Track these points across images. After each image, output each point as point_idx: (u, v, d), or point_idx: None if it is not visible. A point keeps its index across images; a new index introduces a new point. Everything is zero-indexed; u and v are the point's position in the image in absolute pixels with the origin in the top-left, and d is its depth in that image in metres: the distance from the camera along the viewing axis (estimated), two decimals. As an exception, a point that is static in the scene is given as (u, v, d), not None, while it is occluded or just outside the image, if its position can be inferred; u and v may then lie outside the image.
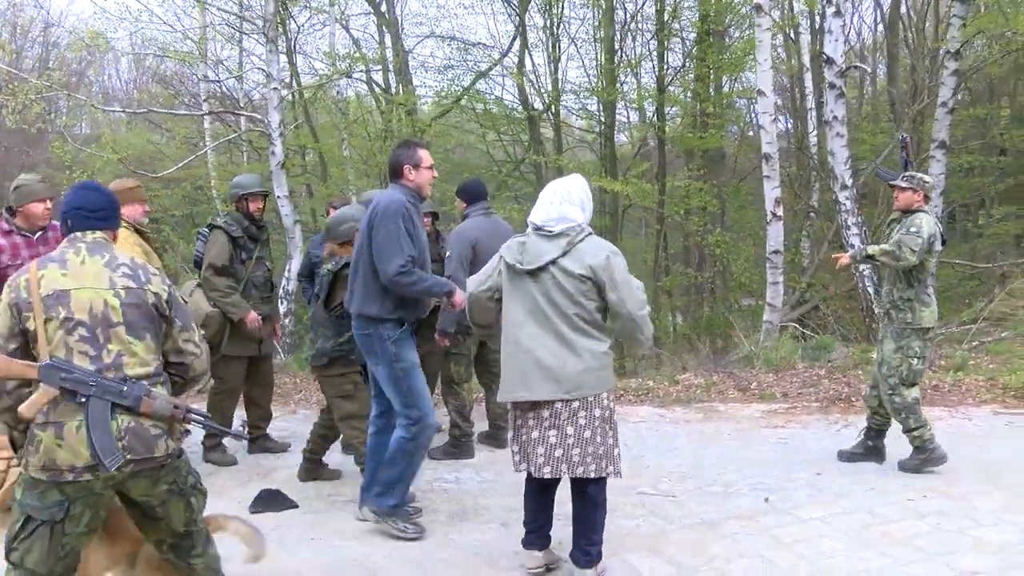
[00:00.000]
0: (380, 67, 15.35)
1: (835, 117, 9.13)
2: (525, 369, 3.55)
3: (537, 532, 3.80)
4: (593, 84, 14.24)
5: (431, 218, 6.52)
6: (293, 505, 4.81)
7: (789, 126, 15.74)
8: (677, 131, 14.16)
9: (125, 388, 2.64)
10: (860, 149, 12.48)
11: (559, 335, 3.51)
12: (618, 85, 14.04)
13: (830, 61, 9.25)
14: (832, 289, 11.55)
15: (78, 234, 2.82)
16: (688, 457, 5.71)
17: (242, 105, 14.55)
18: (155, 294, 2.79)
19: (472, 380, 6.22)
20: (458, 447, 5.91)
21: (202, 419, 2.89)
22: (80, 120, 37.48)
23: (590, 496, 3.64)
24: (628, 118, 15.23)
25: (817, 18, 12.76)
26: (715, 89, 14.73)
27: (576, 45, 14.96)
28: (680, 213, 13.50)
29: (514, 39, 14.57)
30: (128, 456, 2.64)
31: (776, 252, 9.85)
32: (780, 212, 9.90)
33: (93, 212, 2.85)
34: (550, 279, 3.51)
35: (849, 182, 9.20)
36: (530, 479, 3.73)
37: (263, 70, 11.90)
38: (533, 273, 3.54)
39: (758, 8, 9.64)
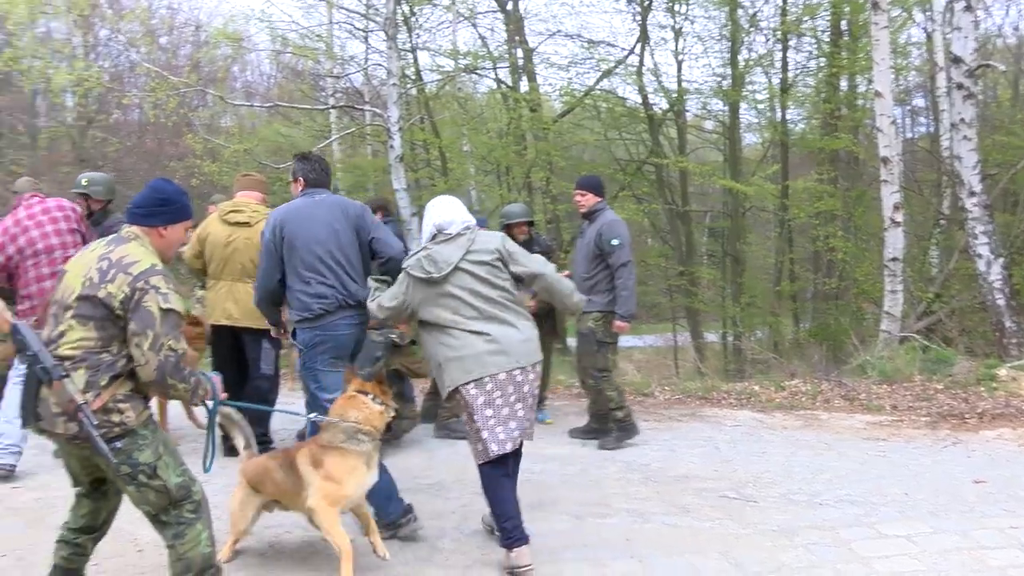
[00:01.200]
0: (507, 64, 15.54)
1: (962, 120, 8.62)
2: (476, 353, 3.79)
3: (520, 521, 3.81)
4: (718, 84, 13.96)
5: (527, 225, 6.69)
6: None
7: (928, 128, 14.99)
8: (804, 133, 13.72)
9: (50, 365, 2.85)
10: (1005, 154, 11.72)
11: (493, 317, 3.86)
12: (745, 85, 13.71)
13: (957, 60, 8.74)
14: (960, 300, 10.93)
15: (124, 226, 3.14)
16: (778, 464, 5.56)
17: (367, 100, 15.03)
18: (109, 293, 2.91)
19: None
20: (625, 429, 6.03)
21: (85, 422, 2.84)
22: (225, 112, 39.63)
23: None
24: (757, 119, 14.84)
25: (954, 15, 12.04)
26: (849, 88, 14.19)
27: (703, 42, 14.68)
28: (802, 217, 13.08)
29: (639, 39, 14.46)
30: (39, 422, 2.93)
31: (894, 260, 9.41)
32: (899, 218, 9.45)
33: (136, 208, 3.11)
34: (466, 275, 3.87)
35: (978, 188, 8.68)
36: (498, 463, 3.82)
37: (383, 66, 12.26)
38: (447, 277, 3.85)
39: (875, 5, 9.24)
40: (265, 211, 5.37)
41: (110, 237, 3.12)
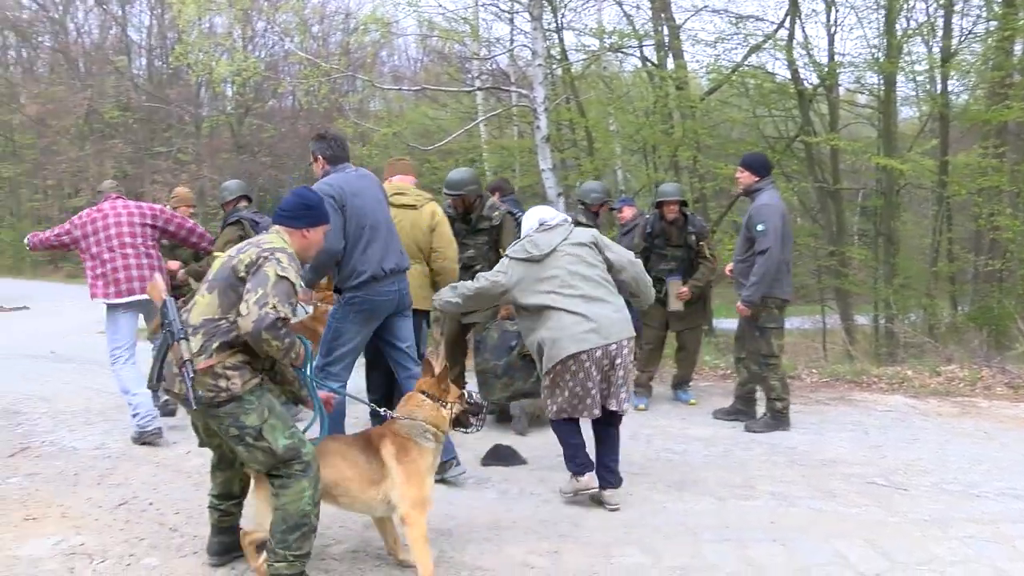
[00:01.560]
0: (653, 42, 15.38)
1: None
2: (573, 334, 4.22)
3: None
4: (872, 56, 13.29)
5: (680, 205, 6.67)
6: (522, 462, 5.15)
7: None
8: (968, 104, 12.89)
9: (178, 329, 3.18)
10: None
11: (589, 296, 4.31)
12: (901, 56, 13.01)
13: None
14: None
15: (272, 226, 3.53)
16: (931, 452, 5.37)
17: (513, 81, 15.21)
18: (239, 260, 3.26)
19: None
20: (777, 419, 5.98)
21: (184, 377, 3.09)
22: (373, 97, 40.96)
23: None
24: (915, 91, 14.04)
25: None
26: None
27: (856, 12, 14.02)
28: (963, 194, 12.33)
29: (788, 12, 13.97)
30: (163, 384, 3.27)
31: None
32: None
33: (283, 211, 3.51)
34: (565, 256, 4.37)
35: None
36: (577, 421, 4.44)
37: (529, 47, 12.38)
38: (548, 256, 4.36)
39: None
40: (427, 194, 5.44)
41: (263, 234, 3.52)
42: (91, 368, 9.02)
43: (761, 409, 6.18)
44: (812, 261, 14.63)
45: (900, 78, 13.23)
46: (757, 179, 5.98)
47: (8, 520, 4.18)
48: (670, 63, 14.94)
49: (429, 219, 5.23)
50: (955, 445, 5.54)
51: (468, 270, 6.07)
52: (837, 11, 13.64)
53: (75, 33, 34.15)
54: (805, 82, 13.87)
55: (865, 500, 4.46)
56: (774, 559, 3.70)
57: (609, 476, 4.40)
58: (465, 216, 6.16)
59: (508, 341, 5.84)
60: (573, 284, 4.31)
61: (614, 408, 4.37)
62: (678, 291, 6.63)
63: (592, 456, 4.48)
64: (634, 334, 4.41)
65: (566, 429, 4.45)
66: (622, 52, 15.68)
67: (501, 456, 5.16)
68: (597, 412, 4.33)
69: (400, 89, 14.97)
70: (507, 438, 5.65)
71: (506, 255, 4.52)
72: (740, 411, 6.22)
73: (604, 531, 4.05)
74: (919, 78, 13.25)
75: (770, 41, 13.97)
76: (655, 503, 4.44)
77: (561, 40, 14.19)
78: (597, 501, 4.42)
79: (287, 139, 31.93)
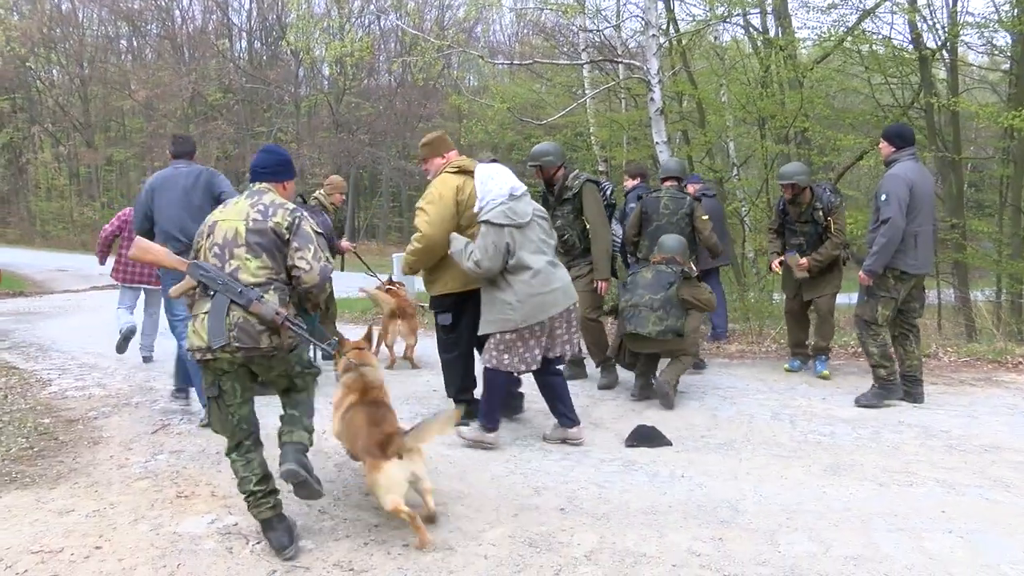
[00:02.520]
0: (758, 9, 14.88)
1: None
2: (552, 289, 4.82)
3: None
4: (1001, 14, 12.52)
5: (791, 186, 6.86)
6: (667, 443, 5.05)
7: None
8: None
9: (241, 290, 3.47)
10: None
11: (554, 262, 4.96)
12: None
13: None
14: None
15: (251, 185, 3.84)
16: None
17: (619, 53, 14.95)
18: (277, 223, 3.59)
19: None
20: (886, 388, 5.91)
21: (296, 328, 3.53)
22: (468, 73, 41.12)
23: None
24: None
25: None
26: None
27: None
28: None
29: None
30: (236, 344, 3.46)
31: None
32: None
33: (263, 168, 3.86)
34: (535, 225, 4.88)
35: None
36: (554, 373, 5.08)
37: (641, 18, 12.13)
38: (528, 224, 4.84)
39: None
40: None
41: (246, 193, 3.79)
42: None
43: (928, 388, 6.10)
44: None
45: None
46: (894, 150, 5.88)
47: (163, 496, 4.30)
48: (777, 32, 14.44)
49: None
50: None
51: (560, 240, 6.32)
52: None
53: (180, 19, 35.20)
54: (924, 45, 13.19)
55: (1035, 485, 4.21)
56: (954, 553, 3.50)
57: (569, 416, 5.08)
58: (548, 187, 6.47)
59: (665, 279, 6.06)
60: (544, 251, 4.89)
61: (557, 354, 4.99)
62: (797, 264, 6.81)
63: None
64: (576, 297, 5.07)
65: (502, 383, 5.03)
66: (727, 21, 15.20)
67: (646, 437, 5.08)
68: (535, 366, 4.93)
69: (511, 64, 14.89)
70: (643, 418, 5.58)
71: (487, 220, 4.80)
72: (907, 392, 6.00)
73: (765, 517, 3.92)
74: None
75: (885, 4, 13.32)
76: (814, 488, 4.28)
77: (670, 10, 13.82)
78: (565, 441, 5.09)
79: (384, 117, 32.44)
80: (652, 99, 11.22)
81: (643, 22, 11.97)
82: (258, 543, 3.73)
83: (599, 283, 6.46)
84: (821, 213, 6.72)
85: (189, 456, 5.01)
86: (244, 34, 34.93)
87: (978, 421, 5.46)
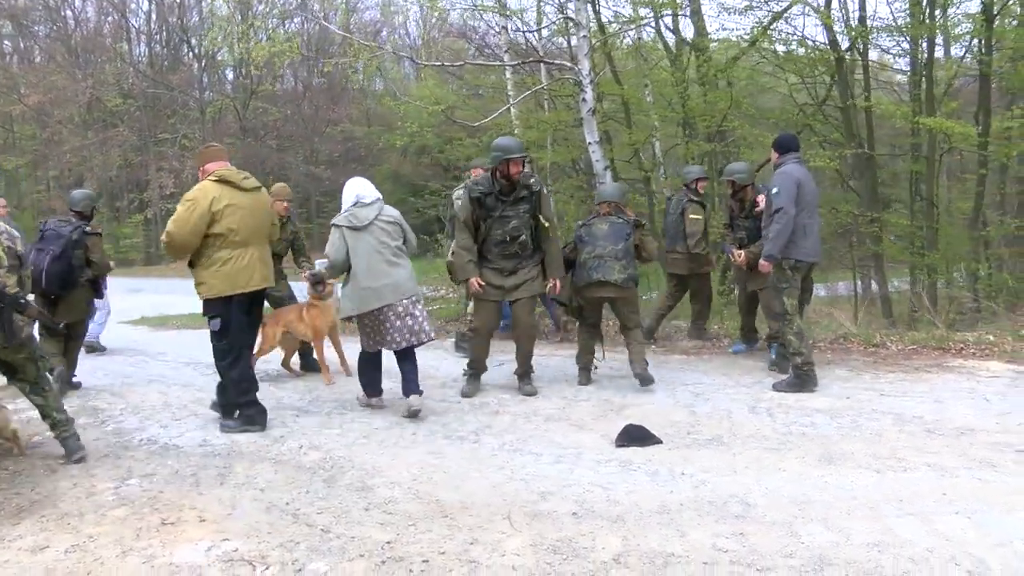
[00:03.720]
0: (670, 12, 15.12)
1: None
2: (382, 285, 5.73)
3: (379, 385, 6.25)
4: (898, 21, 13.12)
5: (730, 182, 7.54)
6: (658, 441, 5.03)
7: None
8: (1002, 66, 12.68)
9: None
10: None
11: (392, 262, 5.80)
12: (936, 17, 12.81)
13: None
14: None
15: None
16: (1067, 416, 5.29)
17: (541, 55, 14.97)
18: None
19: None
20: (801, 378, 6.26)
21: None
22: (375, 78, 40.45)
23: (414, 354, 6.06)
24: (950, 52, 13.84)
25: None
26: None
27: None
28: (1013, 155, 12.20)
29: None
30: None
31: None
32: None
33: None
34: (377, 228, 5.79)
35: None
36: (378, 354, 6.10)
37: (572, 19, 12.17)
38: (367, 227, 5.78)
39: None
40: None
41: None
42: (142, 360, 8.92)
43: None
44: (844, 228, 14.47)
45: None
46: (779, 155, 6.58)
47: (147, 525, 4.00)
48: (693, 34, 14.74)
49: (268, 201, 5.95)
50: (1087, 408, 5.45)
51: (515, 241, 6.33)
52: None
53: (72, 21, 33.62)
54: (835, 46, 13.64)
55: (1026, 468, 4.37)
56: (967, 533, 3.59)
57: (412, 386, 5.93)
58: (509, 185, 6.34)
59: (622, 231, 6.62)
60: (380, 251, 5.77)
61: (410, 344, 5.88)
62: (735, 257, 7.38)
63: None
64: (419, 291, 6.07)
65: (371, 361, 6.14)
66: (638, 25, 15.41)
67: (636, 436, 5.05)
68: (394, 347, 5.86)
69: (446, 64, 14.67)
70: (624, 417, 5.57)
71: (333, 224, 5.91)
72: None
73: (777, 509, 3.93)
74: (960, 39, 13.05)
75: (801, 4, 13.72)
76: (814, 478, 4.33)
77: (597, 12, 13.90)
78: (409, 411, 5.83)
79: (292, 121, 31.70)
80: (584, 99, 11.26)
81: (574, 23, 12.03)
82: (266, 568, 3.51)
83: (555, 281, 6.50)
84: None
85: (163, 479, 4.71)
86: (143, 37, 33.62)
87: (945, 406, 5.65)
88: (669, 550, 3.52)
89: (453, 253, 6.74)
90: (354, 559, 3.57)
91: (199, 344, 10.75)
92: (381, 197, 5.98)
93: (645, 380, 6.43)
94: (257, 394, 5.78)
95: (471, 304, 7.14)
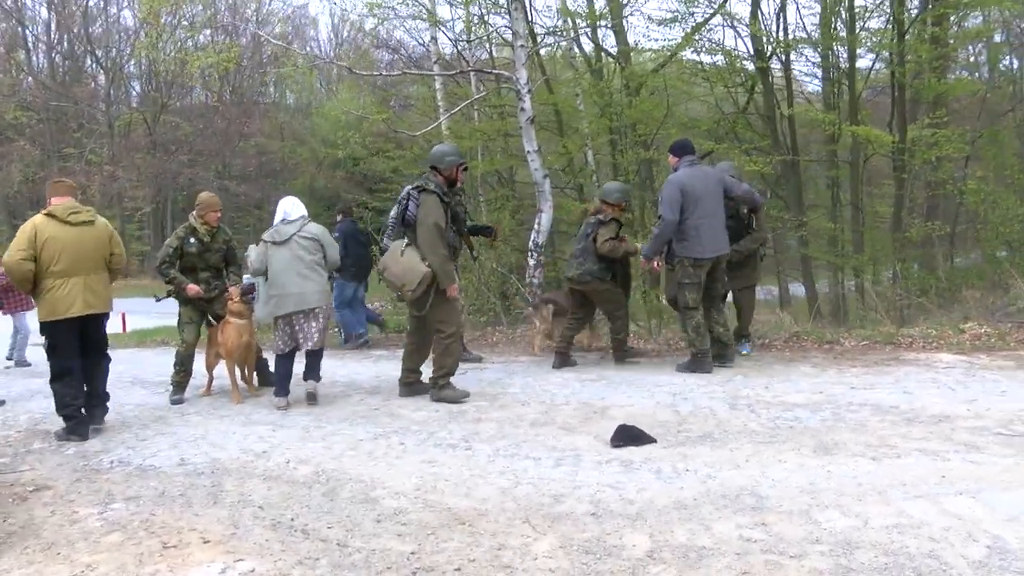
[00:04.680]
0: (588, 24, 15.34)
1: None
2: (290, 294, 6.50)
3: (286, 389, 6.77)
4: (810, 35, 13.69)
5: None
6: (653, 440, 5.05)
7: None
8: (926, 78, 13.35)
9: None
10: None
11: (305, 275, 6.52)
12: (857, 30, 13.38)
13: None
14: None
15: None
16: (1028, 402, 5.55)
17: (471, 64, 15.00)
18: None
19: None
20: (697, 361, 7.05)
21: None
22: (285, 92, 39.82)
23: (319, 356, 6.83)
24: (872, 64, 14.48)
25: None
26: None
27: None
28: (920, 163, 12.84)
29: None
30: None
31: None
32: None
33: None
34: (294, 243, 6.52)
35: None
36: (290, 354, 6.77)
37: (508, 27, 12.24)
38: (286, 243, 6.55)
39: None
40: (92, 209, 6.42)
41: None
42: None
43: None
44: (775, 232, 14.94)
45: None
46: (676, 159, 7.08)
47: (147, 550, 3.79)
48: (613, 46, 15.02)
49: (106, 230, 6.29)
50: (1042, 394, 5.74)
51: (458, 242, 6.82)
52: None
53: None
54: (752, 60, 14.09)
55: (1010, 450, 4.53)
56: (975, 512, 3.71)
57: (311, 374, 6.74)
58: (451, 190, 6.59)
59: (587, 230, 7.53)
60: (293, 265, 6.47)
61: (309, 348, 6.67)
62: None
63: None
64: (324, 304, 6.69)
65: (283, 363, 6.76)
66: (557, 35, 15.60)
67: (631, 436, 5.06)
68: (300, 349, 6.66)
69: (382, 75, 14.52)
70: (609, 416, 5.58)
71: (262, 238, 6.72)
72: (717, 355, 7.19)
73: (790, 499, 3.98)
74: (877, 51, 13.66)
75: (722, 17, 14.12)
76: (815, 468, 4.41)
77: (529, 22, 14.00)
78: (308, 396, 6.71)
79: (204, 135, 30.82)
80: (523, 108, 11.34)
81: (512, 32, 12.09)
82: (290, 586, 3.38)
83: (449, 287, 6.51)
84: (746, 209, 7.28)
85: (151, 501, 4.49)
86: (42, 47, 32.17)
87: (914, 396, 5.85)
88: (700, 543, 3.53)
89: (432, 261, 6.37)
90: (382, 572, 3.46)
91: (138, 362, 10.41)
92: (306, 215, 6.77)
93: (628, 356, 7.77)
94: (82, 409, 6.11)
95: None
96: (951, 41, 14.95)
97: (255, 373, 7.60)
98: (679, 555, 3.43)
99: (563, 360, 7.72)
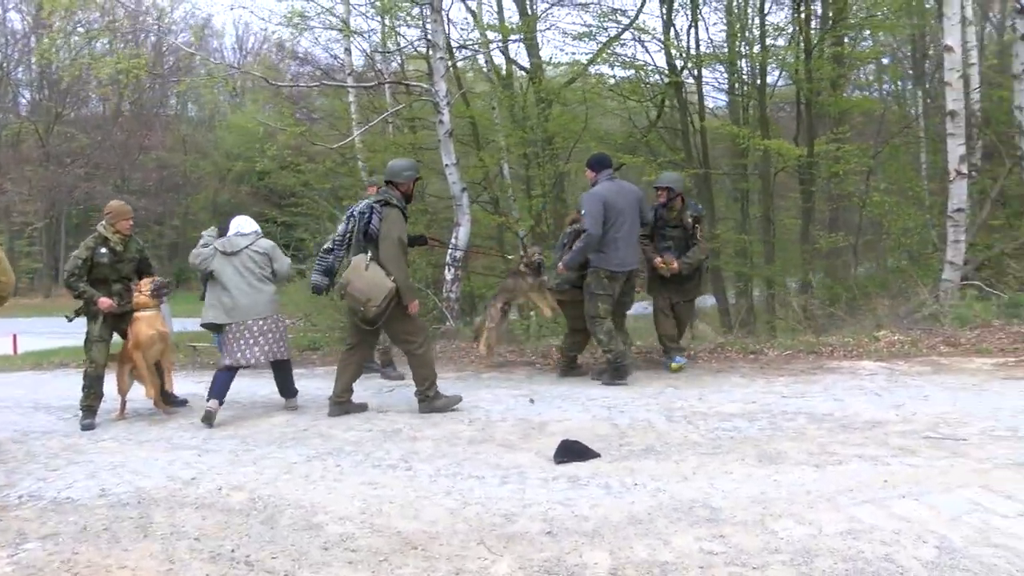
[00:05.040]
0: (500, 38, 15.40)
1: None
2: (240, 305, 6.63)
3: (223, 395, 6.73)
4: (740, 46, 14.09)
5: (666, 190, 7.59)
6: (596, 455, 4.98)
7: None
8: (835, 95, 13.91)
9: None
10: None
11: (253, 286, 6.68)
12: (767, 46, 13.83)
13: (1022, 10, 9.04)
14: (1004, 248, 11.29)
15: None
16: (949, 405, 5.71)
17: (387, 76, 14.82)
18: None
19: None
20: (616, 370, 7.13)
21: None
22: (186, 104, 38.66)
23: (287, 367, 7.06)
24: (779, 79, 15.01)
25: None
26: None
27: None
28: (826, 177, 13.36)
29: (643, 3, 14.44)
30: None
31: (959, 210, 9.75)
32: (964, 170, 9.75)
33: None
34: (245, 256, 6.69)
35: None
36: (233, 367, 6.74)
37: (429, 39, 12.15)
38: (236, 254, 6.70)
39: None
40: None
41: None
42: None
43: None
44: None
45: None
46: (595, 174, 7.19)
47: (80, 594, 3.53)
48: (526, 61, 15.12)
49: None
50: (963, 397, 5.93)
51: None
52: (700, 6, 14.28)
53: None
54: (669, 71, 14.39)
55: (942, 452, 4.66)
56: (922, 513, 3.77)
57: (287, 391, 7.04)
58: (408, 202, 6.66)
59: (563, 240, 7.47)
60: (244, 276, 6.66)
61: (268, 359, 6.78)
62: (670, 264, 7.54)
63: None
64: (275, 313, 6.78)
65: (228, 374, 6.75)
66: (468, 48, 15.61)
67: (575, 452, 4.98)
68: (253, 362, 6.73)
69: (303, 85, 14.16)
70: (548, 432, 5.51)
71: (213, 246, 6.80)
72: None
73: (742, 509, 3.98)
74: (782, 68, 14.14)
75: (635, 31, 14.38)
76: (762, 478, 4.44)
77: (446, 34, 13.92)
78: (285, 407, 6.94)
79: (101, 148, 29.55)
80: (441, 121, 11.28)
81: (430, 44, 11.99)
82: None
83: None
84: (691, 220, 7.45)
85: (71, 538, 4.14)
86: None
87: (845, 403, 5.98)
88: (662, 559, 3.48)
89: (397, 276, 6.23)
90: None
91: (38, 386, 9.79)
92: (259, 231, 7.03)
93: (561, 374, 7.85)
94: None
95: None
96: (847, 62, 15.62)
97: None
98: (643, 571, 3.38)
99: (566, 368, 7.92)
